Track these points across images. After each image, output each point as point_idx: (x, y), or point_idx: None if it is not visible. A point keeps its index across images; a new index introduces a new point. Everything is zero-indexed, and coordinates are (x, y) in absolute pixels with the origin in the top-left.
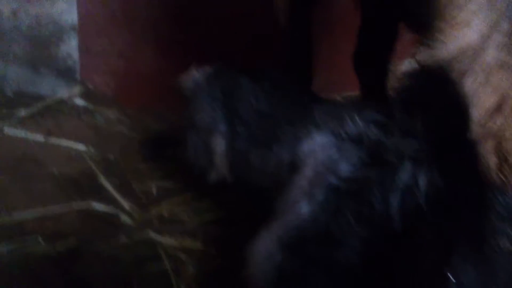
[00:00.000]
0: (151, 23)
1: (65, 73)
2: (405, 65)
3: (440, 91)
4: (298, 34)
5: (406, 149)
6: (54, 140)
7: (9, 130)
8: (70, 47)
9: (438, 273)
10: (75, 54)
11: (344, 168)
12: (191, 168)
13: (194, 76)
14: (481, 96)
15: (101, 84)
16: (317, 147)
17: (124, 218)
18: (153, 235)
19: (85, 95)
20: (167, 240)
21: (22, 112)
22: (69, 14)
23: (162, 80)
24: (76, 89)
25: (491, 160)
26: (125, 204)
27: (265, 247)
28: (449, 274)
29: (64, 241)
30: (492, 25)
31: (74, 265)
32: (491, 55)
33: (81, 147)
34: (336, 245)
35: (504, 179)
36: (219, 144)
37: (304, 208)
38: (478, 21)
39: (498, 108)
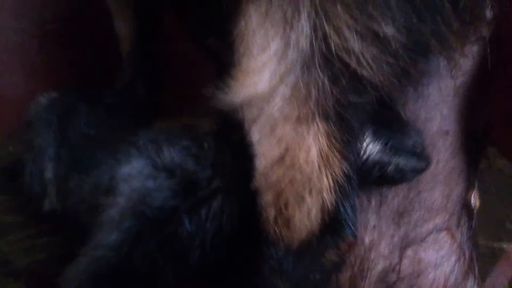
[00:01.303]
0: (17, 47)
1: None
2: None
3: (231, 139)
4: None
5: (218, 183)
6: None
7: None
8: None
9: None
10: None
11: (156, 198)
12: (30, 198)
13: (38, 102)
14: (266, 146)
15: None
16: (134, 173)
17: None
18: None
19: None
20: None
21: None
22: None
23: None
24: None
25: (269, 212)
26: None
27: (74, 279)
28: None
29: None
30: (280, 77)
31: None
32: (277, 106)
33: None
34: (139, 279)
35: (278, 232)
36: (48, 170)
37: (111, 237)
38: (268, 72)
39: (281, 159)
